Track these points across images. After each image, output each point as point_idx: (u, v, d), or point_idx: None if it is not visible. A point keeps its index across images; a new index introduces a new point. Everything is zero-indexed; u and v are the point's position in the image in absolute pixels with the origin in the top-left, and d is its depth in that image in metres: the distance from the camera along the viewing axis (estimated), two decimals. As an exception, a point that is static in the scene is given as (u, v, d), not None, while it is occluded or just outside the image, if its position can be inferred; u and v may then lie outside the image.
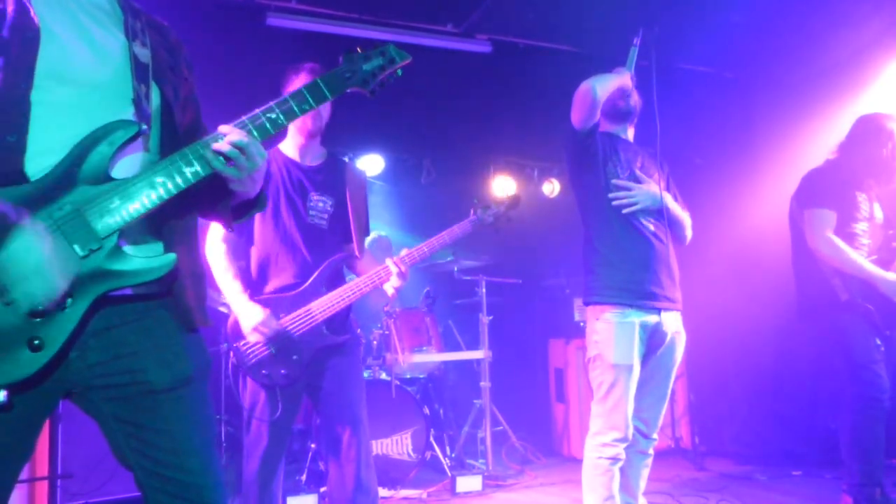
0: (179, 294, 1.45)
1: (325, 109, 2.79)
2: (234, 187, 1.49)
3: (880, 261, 3.26)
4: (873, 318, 3.22)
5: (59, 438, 3.42)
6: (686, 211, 3.02)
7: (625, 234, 2.82)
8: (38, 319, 1.22)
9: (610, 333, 2.74)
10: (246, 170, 1.42)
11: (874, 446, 3.17)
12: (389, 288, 2.75)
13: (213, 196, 1.55)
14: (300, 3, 4.20)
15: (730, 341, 5.08)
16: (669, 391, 2.93)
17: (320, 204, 2.74)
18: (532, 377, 5.98)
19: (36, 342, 1.22)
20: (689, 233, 3.02)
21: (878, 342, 3.23)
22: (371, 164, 5.99)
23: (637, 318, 2.74)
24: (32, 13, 1.33)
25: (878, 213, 3.39)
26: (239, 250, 2.76)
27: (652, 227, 2.85)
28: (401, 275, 2.71)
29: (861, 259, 3.23)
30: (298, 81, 2.67)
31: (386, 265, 2.72)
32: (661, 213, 2.86)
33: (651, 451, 2.92)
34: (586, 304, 2.89)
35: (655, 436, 2.91)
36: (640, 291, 2.76)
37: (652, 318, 2.77)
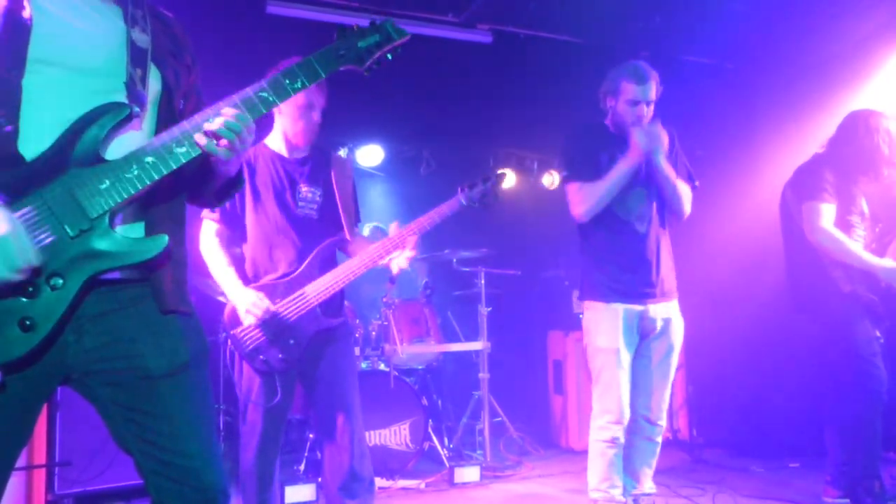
0: (158, 276, 1.44)
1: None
2: (220, 166, 1.50)
3: (873, 253, 3.28)
4: (876, 309, 3.24)
5: (58, 426, 3.43)
6: (687, 184, 3.03)
7: (612, 235, 2.97)
8: (29, 300, 1.21)
9: (596, 320, 2.95)
10: (236, 150, 1.42)
11: (873, 439, 3.20)
12: (395, 266, 2.80)
13: (200, 179, 1.55)
14: (300, -9, 4.18)
15: (728, 333, 5.07)
16: (670, 377, 3.01)
17: (309, 195, 2.76)
18: (531, 369, 5.97)
19: (27, 322, 1.22)
20: (687, 206, 3.01)
21: (878, 334, 3.25)
22: (370, 155, 5.97)
23: (621, 306, 2.90)
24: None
25: (866, 209, 3.41)
26: (232, 242, 2.77)
27: (643, 229, 2.96)
28: (411, 248, 2.75)
29: (861, 249, 3.25)
30: None
31: (378, 245, 2.71)
32: (650, 204, 2.97)
33: (658, 439, 3.00)
34: (580, 298, 3.09)
35: (662, 422, 2.99)
36: (624, 291, 2.92)
37: (637, 307, 2.92)
